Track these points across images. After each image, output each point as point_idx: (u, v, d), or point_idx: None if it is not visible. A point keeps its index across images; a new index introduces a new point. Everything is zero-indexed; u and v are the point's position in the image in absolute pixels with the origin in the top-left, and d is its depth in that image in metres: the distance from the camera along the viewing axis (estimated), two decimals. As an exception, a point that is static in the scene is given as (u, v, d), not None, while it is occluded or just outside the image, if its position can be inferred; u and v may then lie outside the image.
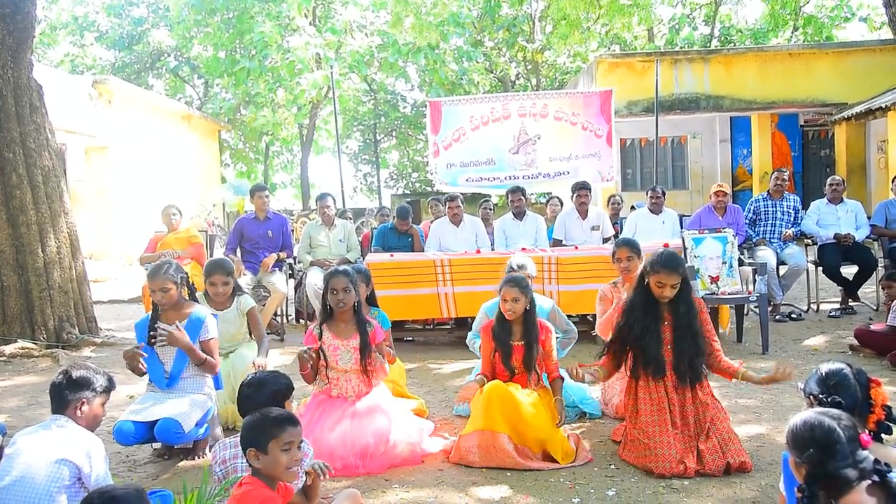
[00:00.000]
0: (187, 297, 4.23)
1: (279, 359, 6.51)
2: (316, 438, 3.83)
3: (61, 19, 27.80)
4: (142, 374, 4.06)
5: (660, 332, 3.82)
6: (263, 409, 2.80)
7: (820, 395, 2.65)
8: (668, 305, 3.84)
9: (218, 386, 4.27)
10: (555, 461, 3.86)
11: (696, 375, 3.79)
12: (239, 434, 2.79)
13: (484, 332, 4.25)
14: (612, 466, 3.80)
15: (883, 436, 2.70)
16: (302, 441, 2.84)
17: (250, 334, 4.81)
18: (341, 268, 4.28)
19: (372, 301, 5.12)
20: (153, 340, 4.05)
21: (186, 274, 4.28)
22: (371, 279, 5.13)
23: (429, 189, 22.41)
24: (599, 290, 4.90)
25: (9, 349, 6.83)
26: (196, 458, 4.07)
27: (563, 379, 4.24)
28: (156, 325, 4.03)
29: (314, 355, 4.10)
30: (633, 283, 4.50)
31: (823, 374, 2.73)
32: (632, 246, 4.87)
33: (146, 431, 3.88)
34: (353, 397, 4.12)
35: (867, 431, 2.55)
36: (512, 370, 4.12)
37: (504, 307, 4.12)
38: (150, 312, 4.18)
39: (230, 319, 4.70)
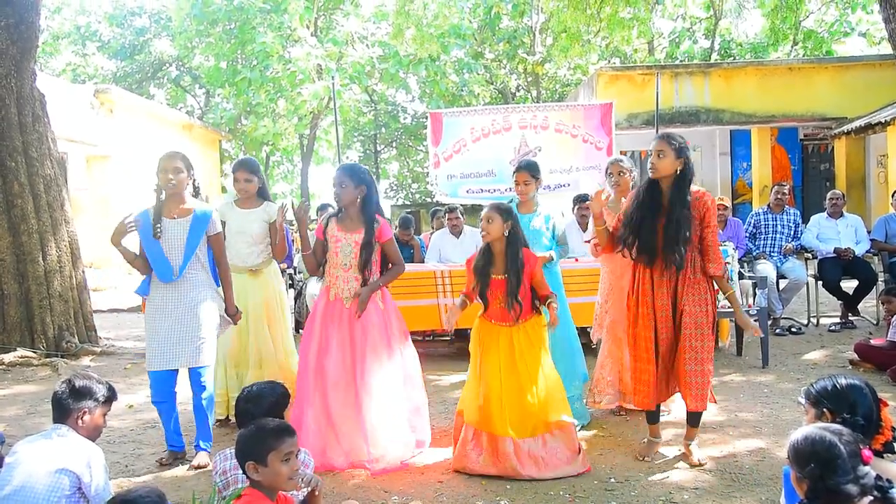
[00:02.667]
0: (194, 196, 4.27)
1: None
2: (321, 395, 4.06)
3: (64, 29, 27.91)
4: (132, 256, 4.11)
5: (655, 224, 3.93)
6: (258, 420, 2.77)
7: (836, 411, 2.62)
8: (668, 199, 3.91)
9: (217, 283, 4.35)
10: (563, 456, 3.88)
11: (681, 261, 3.86)
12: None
13: (466, 266, 4.22)
14: (612, 480, 3.79)
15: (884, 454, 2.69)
16: (300, 451, 2.85)
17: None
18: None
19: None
20: (158, 234, 4.08)
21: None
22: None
23: (429, 200, 22.41)
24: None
25: (8, 358, 6.84)
26: (196, 468, 4.06)
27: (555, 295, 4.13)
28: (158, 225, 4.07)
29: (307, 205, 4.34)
30: (624, 195, 4.74)
31: (841, 388, 2.69)
32: (622, 163, 4.98)
33: (174, 377, 4.17)
34: (349, 300, 4.16)
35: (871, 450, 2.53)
36: (490, 303, 4.08)
37: (481, 226, 4.05)
38: (152, 206, 4.15)
39: (254, 219, 4.84)
